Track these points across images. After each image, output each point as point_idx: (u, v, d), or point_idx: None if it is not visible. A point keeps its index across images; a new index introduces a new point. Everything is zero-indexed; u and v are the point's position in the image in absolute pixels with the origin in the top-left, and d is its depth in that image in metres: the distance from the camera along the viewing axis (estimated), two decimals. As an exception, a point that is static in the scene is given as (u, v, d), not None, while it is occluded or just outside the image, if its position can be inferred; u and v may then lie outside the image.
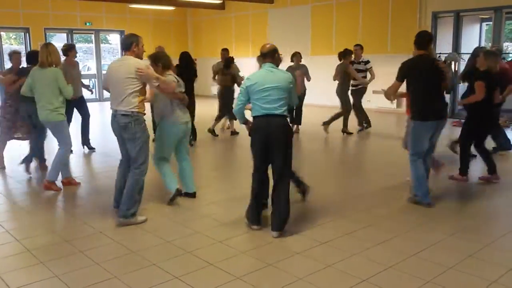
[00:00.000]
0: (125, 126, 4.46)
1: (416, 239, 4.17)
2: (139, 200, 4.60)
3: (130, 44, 4.55)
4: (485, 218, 4.88)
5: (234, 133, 9.55)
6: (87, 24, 16.44)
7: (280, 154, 4.25)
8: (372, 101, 11.98)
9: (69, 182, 5.88)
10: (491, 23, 11.58)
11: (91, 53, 17.31)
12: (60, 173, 5.76)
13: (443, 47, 11.82)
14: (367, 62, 9.72)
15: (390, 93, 5.07)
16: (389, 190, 5.61)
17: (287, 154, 4.30)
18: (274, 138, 4.23)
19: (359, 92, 9.76)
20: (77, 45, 17.68)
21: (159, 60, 5.02)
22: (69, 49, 7.65)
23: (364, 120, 9.94)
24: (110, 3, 16.10)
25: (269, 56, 4.37)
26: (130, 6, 16.47)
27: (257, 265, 3.68)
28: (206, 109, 11.93)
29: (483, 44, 12.85)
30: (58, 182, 5.76)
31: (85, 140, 8.17)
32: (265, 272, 3.56)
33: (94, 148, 8.18)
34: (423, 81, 4.88)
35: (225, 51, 10.22)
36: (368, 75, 9.69)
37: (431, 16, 11.99)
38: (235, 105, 4.47)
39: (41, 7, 15.36)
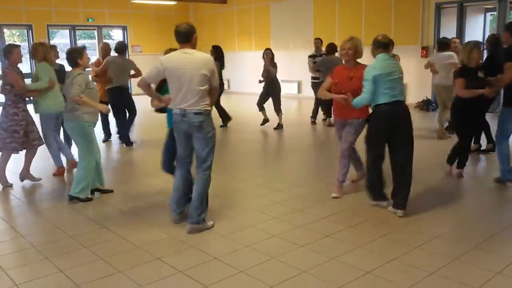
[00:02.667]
0: (199, 125, 4.14)
1: (420, 231, 4.16)
2: (207, 203, 4.46)
3: (191, 35, 4.19)
4: (488, 210, 4.86)
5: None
6: (90, 20, 16.43)
7: (406, 141, 4.53)
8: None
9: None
10: (495, 13, 11.49)
11: (94, 49, 17.31)
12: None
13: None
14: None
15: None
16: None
17: (410, 139, 4.56)
18: (402, 122, 4.54)
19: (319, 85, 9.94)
20: (80, 42, 17.74)
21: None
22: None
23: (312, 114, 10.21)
24: (112, -1, 16.10)
25: (391, 46, 4.75)
26: (132, 1, 16.43)
27: (262, 258, 3.68)
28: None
29: (487, 34, 12.75)
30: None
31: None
32: (269, 265, 3.57)
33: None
34: None
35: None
36: None
37: (434, 7, 11.91)
38: (365, 95, 4.54)
39: (43, 4, 15.35)
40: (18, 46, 5.88)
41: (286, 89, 15.23)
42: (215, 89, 4.31)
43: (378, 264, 3.52)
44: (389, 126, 4.53)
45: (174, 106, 4.23)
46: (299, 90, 14.98)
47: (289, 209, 4.81)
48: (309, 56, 10.14)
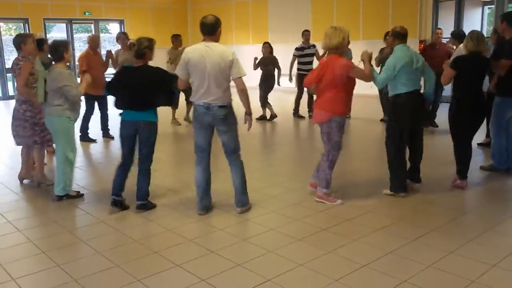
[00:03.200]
0: (224, 118, 4.25)
1: (416, 224, 4.17)
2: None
3: (216, 28, 4.21)
4: (484, 203, 4.87)
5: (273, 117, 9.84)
6: (86, 13, 16.34)
7: (420, 129, 5.02)
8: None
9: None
10: (493, 6, 11.46)
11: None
12: None
13: (445, 32, 11.71)
14: (314, 46, 9.97)
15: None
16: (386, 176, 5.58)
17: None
18: (419, 110, 4.84)
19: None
20: (77, 35, 17.64)
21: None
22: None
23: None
24: (109, -8, 16.02)
25: (406, 37, 4.83)
26: (129, -6, 16.40)
27: (259, 252, 3.69)
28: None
29: (485, 28, 12.75)
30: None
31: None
32: (266, 258, 3.58)
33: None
34: None
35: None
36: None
37: (432, 1, 11.88)
38: (383, 77, 4.66)
39: (40, -3, 15.28)
40: (32, 34, 5.69)
41: (284, 83, 15.15)
42: (240, 79, 4.27)
43: (375, 257, 3.53)
44: (410, 114, 4.74)
45: (197, 99, 4.24)
46: (297, 84, 14.94)
47: (285, 203, 4.81)
48: (297, 49, 9.96)
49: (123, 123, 4.55)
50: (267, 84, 9.77)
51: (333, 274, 3.29)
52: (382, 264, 3.44)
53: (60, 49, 4.87)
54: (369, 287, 3.16)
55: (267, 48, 9.76)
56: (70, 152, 4.96)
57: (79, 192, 5.17)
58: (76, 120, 5.11)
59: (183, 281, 3.27)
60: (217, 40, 4.26)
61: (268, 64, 9.70)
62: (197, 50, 4.22)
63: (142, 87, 4.41)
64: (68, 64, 5.07)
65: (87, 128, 8.16)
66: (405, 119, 4.77)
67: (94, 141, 8.15)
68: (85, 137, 8.12)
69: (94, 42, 8.11)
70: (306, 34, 10.03)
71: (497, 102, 5.57)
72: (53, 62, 5.00)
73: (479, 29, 11.85)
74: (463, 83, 5.07)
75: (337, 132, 4.63)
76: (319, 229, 4.10)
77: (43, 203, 5.01)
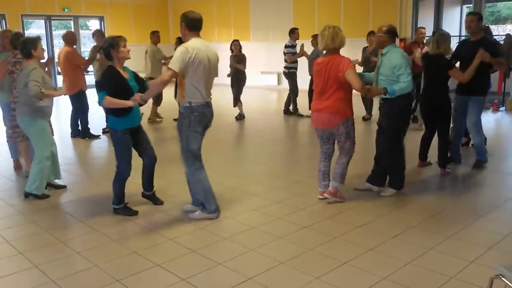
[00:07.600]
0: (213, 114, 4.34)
1: (396, 221, 4.21)
2: None
3: (201, 26, 4.20)
4: (464, 200, 4.93)
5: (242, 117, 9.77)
6: (66, 10, 16.08)
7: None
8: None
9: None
10: (471, 5, 11.63)
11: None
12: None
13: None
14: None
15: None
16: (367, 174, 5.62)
17: None
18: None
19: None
20: (56, 32, 17.39)
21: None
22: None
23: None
24: (88, -12, 15.77)
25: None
26: (109, -9, 16.17)
27: (240, 250, 3.68)
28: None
29: (463, 26, 12.93)
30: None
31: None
32: (247, 257, 3.57)
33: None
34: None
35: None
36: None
37: (412, 0, 11.99)
38: (408, 79, 4.53)
39: (17, -8, 14.97)
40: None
41: (266, 81, 15.20)
42: None
43: (355, 254, 3.55)
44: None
45: (199, 98, 4.11)
46: (279, 82, 14.96)
47: (267, 201, 4.81)
48: (291, 47, 9.82)
49: None
50: (240, 82, 9.76)
51: (314, 272, 3.30)
52: (362, 261, 3.46)
53: (28, 46, 4.75)
54: (349, 284, 3.17)
55: (237, 46, 9.77)
56: (45, 150, 4.87)
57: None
58: (49, 117, 5.01)
59: (163, 281, 3.24)
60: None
61: (238, 62, 9.70)
62: (201, 47, 4.07)
63: None
64: (40, 60, 4.96)
65: (87, 123, 8.07)
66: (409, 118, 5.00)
67: (98, 137, 8.04)
68: (87, 134, 8.04)
69: (68, 39, 7.90)
70: (297, 32, 10.01)
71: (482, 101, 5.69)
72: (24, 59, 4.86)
73: (457, 28, 12.06)
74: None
75: (353, 128, 4.61)
76: (300, 227, 4.11)
77: (20, 203, 4.92)
